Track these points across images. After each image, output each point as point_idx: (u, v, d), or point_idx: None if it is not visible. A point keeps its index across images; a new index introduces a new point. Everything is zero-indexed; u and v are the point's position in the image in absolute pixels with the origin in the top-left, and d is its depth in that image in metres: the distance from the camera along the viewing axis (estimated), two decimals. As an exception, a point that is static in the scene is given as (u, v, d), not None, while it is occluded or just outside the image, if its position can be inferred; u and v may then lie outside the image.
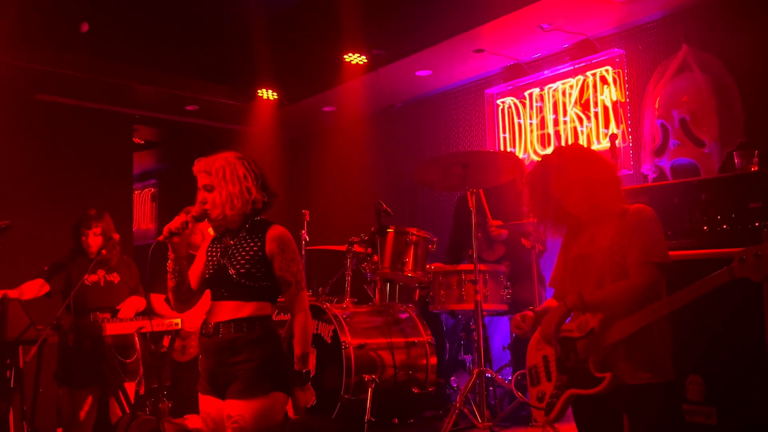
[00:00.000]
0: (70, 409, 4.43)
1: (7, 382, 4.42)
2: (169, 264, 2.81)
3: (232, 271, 2.79)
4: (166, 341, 4.71)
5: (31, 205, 6.29)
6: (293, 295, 2.84)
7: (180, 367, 4.92)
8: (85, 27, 6.11)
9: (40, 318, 4.41)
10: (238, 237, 2.86)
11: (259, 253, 2.80)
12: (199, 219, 2.81)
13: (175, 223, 2.75)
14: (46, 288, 4.52)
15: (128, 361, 4.60)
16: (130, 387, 4.60)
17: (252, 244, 2.82)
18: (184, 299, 2.89)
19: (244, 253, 2.81)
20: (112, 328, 4.29)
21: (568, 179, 2.58)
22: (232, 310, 2.77)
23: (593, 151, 2.86)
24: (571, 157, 2.63)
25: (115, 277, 4.65)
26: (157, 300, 4.82)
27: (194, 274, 2.93)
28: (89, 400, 4.47)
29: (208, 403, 2.81)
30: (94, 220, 4.58)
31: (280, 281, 2.83)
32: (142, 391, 4.76)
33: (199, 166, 2.86)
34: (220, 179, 2.80)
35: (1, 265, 4.54)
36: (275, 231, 2.84)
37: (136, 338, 4.64)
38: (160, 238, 2.74)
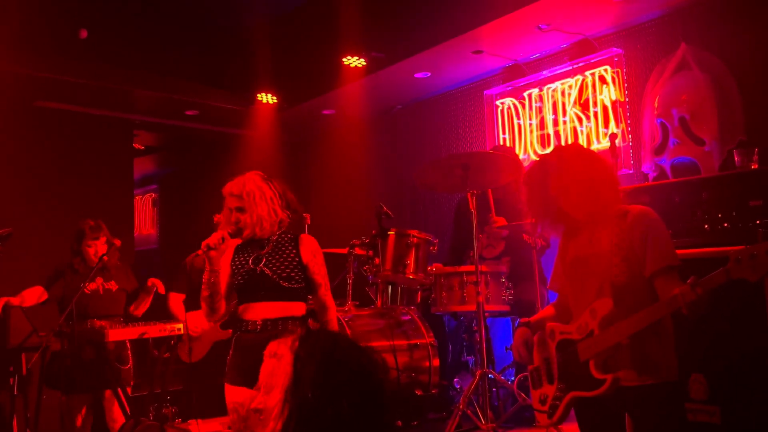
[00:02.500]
0: (68, 415, 4.44)
1: (10, 388, 4.43)
2: (205, 275, 3.10)
3: (274, 276, 3.14)
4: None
5: (32, 212, 6.30)
6: (324, 295, 3.28)
7: (187, 370, 4.95)
8: (84, 33, 6.13)
9: (42, 325, 4.42)
10: (268, 247, 3.20)
11: (296, 259, 3.19)
12: (233, 236, 3.16)
13: (213, 239, 3.05)
14: (46, 295, 4.55)
15: (125, 367, 4.61)
16: (129, 392, 4.62)
17: (288, 252, 3.20)
18: (216, 307, 3.17)
19: (282, 260, 3.18)
20: (114, 335, 4.30)
21: (566, 179, 2.57)
22: (276, 309, 3.12)
23: (592, 151, 2.86)
24: (569, 157, 2.62)
25: (113, 285, 4.69)
26: (176, 300, 4.88)
27: (223, 282, 3.20)
28: (85, 406, 4.49)
29: (239, 393, 3.03)
30: (100, 231, 4.65)
31: (312, 283, 3.23)
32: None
33: (230, 189, 3.19)
34: (251, 202, 3.14)
35: (3, 272, 4.55)
36: (308, 240, 3.27)
37: (128, 346, 4.66)
38: (199, 252, 3.03)
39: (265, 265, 3.17)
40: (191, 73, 7.11)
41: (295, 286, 3.18)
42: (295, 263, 3.19)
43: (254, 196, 3.15)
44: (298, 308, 3.19)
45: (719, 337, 3.23)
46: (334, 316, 3.31)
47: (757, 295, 3.09)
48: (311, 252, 3.24)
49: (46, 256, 5.21)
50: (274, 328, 3.09)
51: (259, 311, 3.14)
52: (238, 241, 3.26)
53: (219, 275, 3.14)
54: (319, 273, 3.25)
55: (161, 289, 4.70)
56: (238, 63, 7.17)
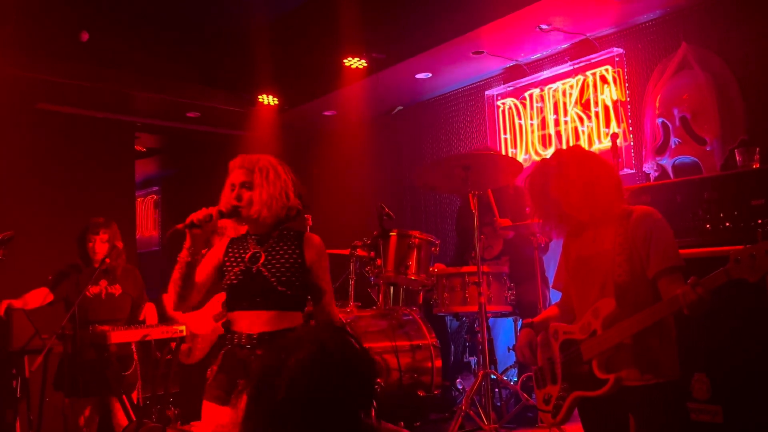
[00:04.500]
0: (72, 418, 4.44)
1: (13, 391, 4.43)
2: (182, 254, 2.68)
3: (272, 279, 2.70)
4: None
5: (34, 214, 6.30)
6: (327, 304, 2.83)
7: (187, 371, 4.93)
8: (85, 36, 6.13)
9: (44, 327, 4.42)
10: (268, 243, 2.78)
11: (299, 261, 2.75)
12: (227, 215, 2.71)
13: (200, 214, 2.64)
14: (50, 297, 4.52)
15: (126, 373, 4.58)
16: (133, 396, 4.61)
17: (290, 252, 2.76)
18: (184, 295, 2.74)
19: (283, 261, 2.73)
20: (116, 337, 4.29)
21: (565, 182, 2.58)
22: (273, 320, 2.68)
23: (592, 152, 2.86)
24: (568, 160, 2.63)
25: (116, 289, 4.63)
26: (149, 309, 4.83)
27: (203, 271, 2.81)
28: (89, 408, 4.48)
29: (222, 414, 2.63)
30: (102, 227, 4.58)
31: (314, 289, 2.80)
32: (141, 402, 4.76)
33: (241, 162, 2.80)
34: (263, 179, 2.75)
35: (5, 275, 4.55)
36: (314, 239, 2.84)
37: (134, 348, 4.64)
38: (180, 225, 2.63)
39: (263, 264, 2.74)
40: (192, 75, 7.12)
41: (295, 292, 2.74)
42: (297, 265, 2.74)
43: (268, 173, 2.76)
44: (296, 319, 2.76)
45: (722, 336, 3.23)
46: None
47: (760, 294, 3.09)
48: (317, 253, 2.80)
49: (49, 258, 5.21)
50: (272, 343, 2.58)
51: (255, 321, 2.69)
52: (234, 232, 2.87)
53: (197, 260, 2.71)
54: (324, 278, 2.82)
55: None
56: (239, 64, 7.18)
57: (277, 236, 2.81)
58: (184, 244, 2.67)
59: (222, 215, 2.69)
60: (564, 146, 5.73)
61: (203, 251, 2.78)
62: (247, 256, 2.77)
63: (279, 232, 2.82)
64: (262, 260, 2.73)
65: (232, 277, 2.74)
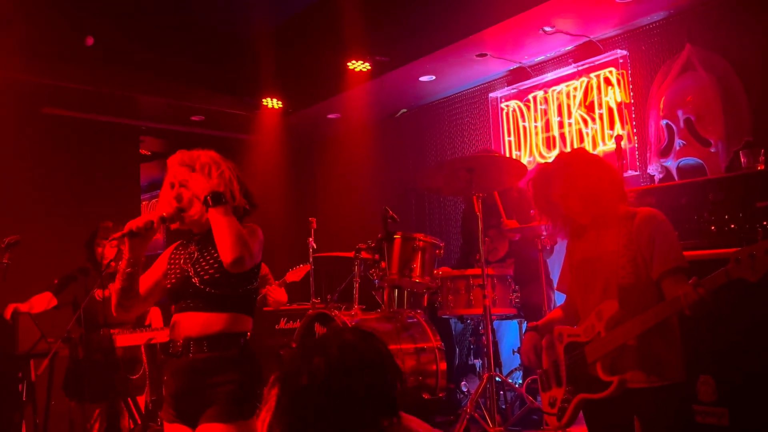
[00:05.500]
0: (80, 422, 4.44)
1: (19, 395, 4.44)
2: (122, 264, 2.50)
3: (195, 279, 2.46)
4: None
5: (40, 218, 6.32)
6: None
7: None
8: (90, 41, 6.16)
9: (50, 331, 4.43)
10: (203, 242, 2.55)
11: None
12: (170, 220, 2.51)
13: (140, 221, 2.44)
14: (55, 302, 4.54)
15: (134, 377, 4.60)
16: (140, 400, 4.61)
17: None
18: (128, 305, 2.55)
19: (212, 260, 2.48)
20: (122, 340, 4.30)
21: (566, 185, 2.58)
22: (202, 324, 2.43)
23: (593, 155, 2.86)
24: (568, 163, 2.65)
25: None
26: (155, 312, 4.84)
27: (148, 280, 2.62)
28: (97, 412, 4.49)
29: None
30: (111, 232, 4.59)
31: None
32: (150, 405, 4.77)
33: (180, 158, 2.57)
34: (205, 176, 2.51)
35: (11, 279, 4.56)
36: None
37: (143, 351, 4.65)
38: (117, 234, 2.46)
39: (192, 264, 2.51)
40: (197, 79, 7.14)
41: (224, 292, 2.45)
42: (221, 263, 2.42)
43: (210, 169, 2.51)
44: (234, 322, 2.46)
45: (728, 338, 3.21)
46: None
47: (765, 296, 3.08)
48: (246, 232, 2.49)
49: (55, 262, 5.22)
50: (198, 350, 2.40)
51: (186, 326, 2.45)
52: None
53: (138, 268, 2.51)
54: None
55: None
56: (243, 68, 7.19)
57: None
58: (123, 253, 2.51)
59: (164, 221, 2.50)
60: (568, 148, 5.72)
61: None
62: (183, 258, 2.56)
63: None
64: (194, 259, 2.52)
65: (168, 282, 2.55)
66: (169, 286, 2.54)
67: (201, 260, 2.50)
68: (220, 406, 2.35)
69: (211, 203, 2.44)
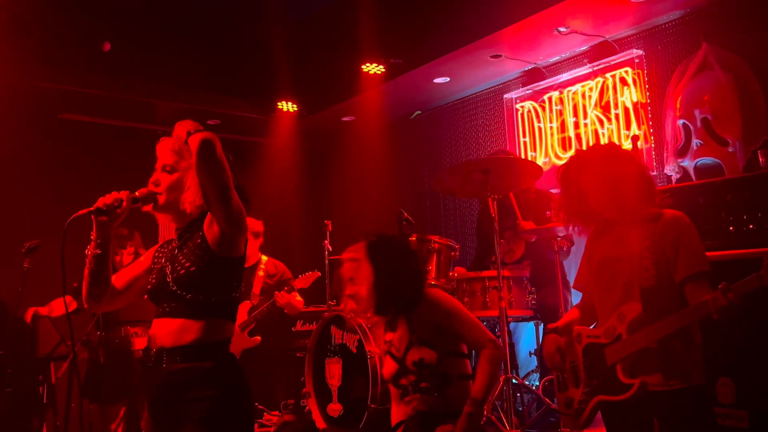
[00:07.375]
0: (101, 424, 4.48)
1: (39, 397, 4.49)
2: (90, 246, 2.33)
3: (169, 280, 2.23)
4: None
5: (59, 223, 6.37)
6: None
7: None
8: (107, 46, 6.21)
9: (76, 334, 4.47)
10: (183, 237, 2.33)
11: (203, 247, 2.23)
12: (141, 201, 2.29)
13: (108, 198, 2.24)
14: (74, 305, 4.58)
15: None
16: None
17: (194, 241, 2.26)
18: (97, 294, 2.34)
19: (186, 251, 2.25)
20: (140, 343, 4.34)
21: (597, 176, 2.57)
22: (176, 331, 2.20)
23: (627, 151, 2.84)
24: (603, 155, 2.64)
25: None
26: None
27: (128, 273, 2.45)
28: (120, 414, 4.52)
29: None
30: (127, 240, 4.67)
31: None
32: None
33: (169, 143, 2.39)
34: (191, 162, 2.26)
35: (32, 283, 4.62)
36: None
37: None
38: (83, 210, 2.25)
39: (170, 262, 2.28)
40: (212, 84, 7.19)
41: (199, 295, 2.20)
42: (201, 256, 2.20)
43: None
44: (211, 329, 2.22)
45: (747, 340, 3.18)
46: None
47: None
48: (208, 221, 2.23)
49: (74, 266, 5.26)
50: (172, 361, 2.17)
51: (161, 334, 2.23)
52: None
53: (107, 251, 2.30)
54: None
55: None
56: (258, 72, 7.23)
57: (195, 227, 2.31)
58: (90, 235, 2.30)
59: (135, 201, 2.27)
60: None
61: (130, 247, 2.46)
62: (165, 256, 2.35)
63: (199, 222, 2.29)
64: (172, 258, 2.31)
65: (150, 282, 2.35)
66: (149, 286, 2.34)
67: (179, 255, 2.27)
68: (193, 425, 2.14)
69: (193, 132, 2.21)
